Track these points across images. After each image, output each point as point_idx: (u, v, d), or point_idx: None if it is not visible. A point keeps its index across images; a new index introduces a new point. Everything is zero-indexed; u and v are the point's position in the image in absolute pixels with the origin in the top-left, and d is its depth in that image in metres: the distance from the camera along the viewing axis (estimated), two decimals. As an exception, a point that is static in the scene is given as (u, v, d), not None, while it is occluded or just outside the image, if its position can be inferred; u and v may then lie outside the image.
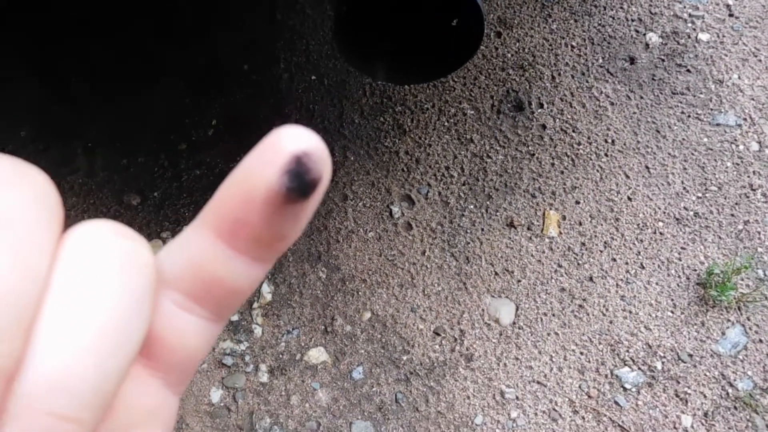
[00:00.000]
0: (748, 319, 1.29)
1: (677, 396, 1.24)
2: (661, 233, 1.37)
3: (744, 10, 1.59)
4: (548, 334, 1.31)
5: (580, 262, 1.36)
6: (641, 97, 1.51)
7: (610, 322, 1.31)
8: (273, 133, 0.15)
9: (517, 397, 1.26)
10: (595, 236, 1.38)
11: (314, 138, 0.15)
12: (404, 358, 1.30)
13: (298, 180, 0.15)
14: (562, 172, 1.44)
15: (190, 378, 0.18)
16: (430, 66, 0.95)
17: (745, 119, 1.47)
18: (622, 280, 1.34)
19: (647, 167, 1.44)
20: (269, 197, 0.15)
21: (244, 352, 1.32)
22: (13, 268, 0.13)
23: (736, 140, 1.45)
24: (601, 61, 1.55)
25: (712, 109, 1.48)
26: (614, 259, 1.36)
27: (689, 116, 1.48)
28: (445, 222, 1.41)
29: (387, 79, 1.01)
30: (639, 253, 1.36)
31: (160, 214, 1.44)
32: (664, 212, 1.39)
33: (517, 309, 1.33)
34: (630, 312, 1.31)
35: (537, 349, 1.30)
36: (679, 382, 1.25)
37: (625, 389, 1.25)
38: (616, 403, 1.24)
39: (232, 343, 1.33)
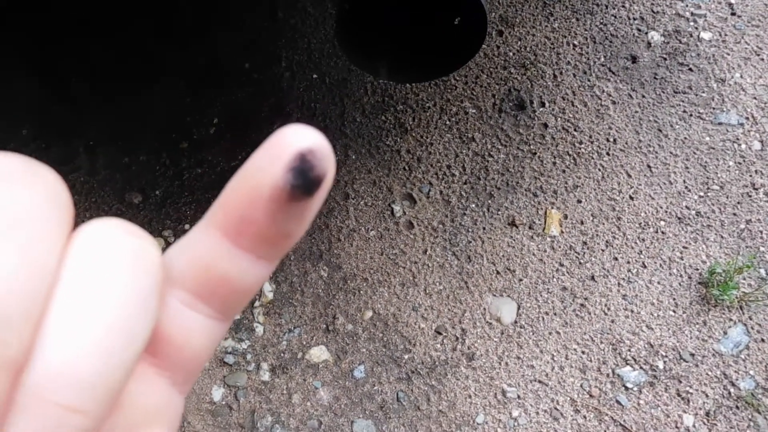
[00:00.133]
0: (750, 318, 1.28)
1: (679, 395, 1.24)
2: (662, 232, 1.37)
3: (746, 9, 1.59)
4: (550, 333, 1.30)
5: (581, 261, 1.36)
6: (643, 96, 1.51)
7: (612, 321, 1.31)
8: (277, 131, 0.15)
9: (518, 396, 1.26)
10: (597, 235, 1.38)
11: (318, 136, 0.16)
12: (406, 356, 1.30)
13: (303, 177, 0.15)
14: (564, 171, 1.44)
15: (195, 377, 0.18)
16: (432, 64, 0.95)
17: (747, 118, 1.47)
18: (623, 279, 1.34)
19: (649, 166, 1.43)
20: (274, 194, 0.15)
21: (245, 351, 1.32)
22: (24, 263, 0.13)
23: (738, 139, 1.45)
24: (602, 59, 1.55)
25: (714, 108, 1.48)
26: (616, 258, 1.36)
27: (691, 115, 1.48)
28: (447, 221, 1.41)
29: (389, 78, 1.01)
30: (641, 252, 1.36)
31: (162, 213, 1.44)
32: (666, 211, 1.39)
33: (518, 308, 1.33)
34: (632, 311, 1.31)
35: (538, 348, 1.29)
36: (680, 382, 1.25)
37: (626, 388, 1.25)
38: (617, 402, 1.24)
39: (233, 341, 1.33)
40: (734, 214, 1.38)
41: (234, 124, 1.51)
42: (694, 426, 1.22)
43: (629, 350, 1.28)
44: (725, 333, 1.28)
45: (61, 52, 1.55)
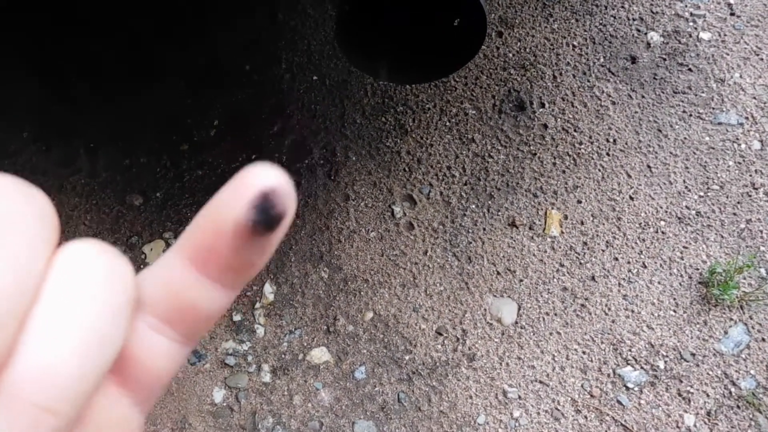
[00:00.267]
0: (751, 317, 1.29)
1: (680, 395, 1.24)
2: (663, 232, 1.37)
3: (745, 9, 1.59)
4: (550, 334, 1.31)
5: (582, 261, 1.36)
6: (643, 97, 1.51)
7: (613, 321, 1.31)
8: (243, 170, 0.17)
9: (519, 397, 1.26)
10: (597, 235, 1.38)
11: (281, 176, 0.17)
12: (406, 357, 1.30)
13: (264, 215, 0.17)
14: (564, 172, 1.44)
15: (156, 398, 0.20)
16: (432, 66, 0.95)
17: (746, 118, 1.47)
18: (624, 279, 1.34)
19: (649, 166, 1.44)
20: (237, 230, 0.17)
21: (246, 352, 1.32)
22: (13, 269, 0.15)
23: (737, 139, 1.45)
24: (602, 60, 1.55)
25: (713, 108, 1.48)
26: (616, 259, 1.36)
27: (691, 115, 1.48)
28: (447, 222, 1.41)
29: (389, 79, 1.01)
30: (641, 252, 1.36)
31: (163, 215, 1.44)
32: (666, 211, 1.39)
33: (519, 308, 1.33)
34: (632, 311, 1.31)
35: (539, 349, 1.30)
36: (681, 381, 1.25)
37: (627, 388, 1.25)
38: (618, 402, 1.24)
39: (234, 343, 1.33)
40: (734, 214, 1.38)
41: (234, 125, 1.51)
42: (695, 426, 1.22)
43: (630, 350, 1.28)
44: (726, 332, 1.28)
45: (61, 52, 1.55)
